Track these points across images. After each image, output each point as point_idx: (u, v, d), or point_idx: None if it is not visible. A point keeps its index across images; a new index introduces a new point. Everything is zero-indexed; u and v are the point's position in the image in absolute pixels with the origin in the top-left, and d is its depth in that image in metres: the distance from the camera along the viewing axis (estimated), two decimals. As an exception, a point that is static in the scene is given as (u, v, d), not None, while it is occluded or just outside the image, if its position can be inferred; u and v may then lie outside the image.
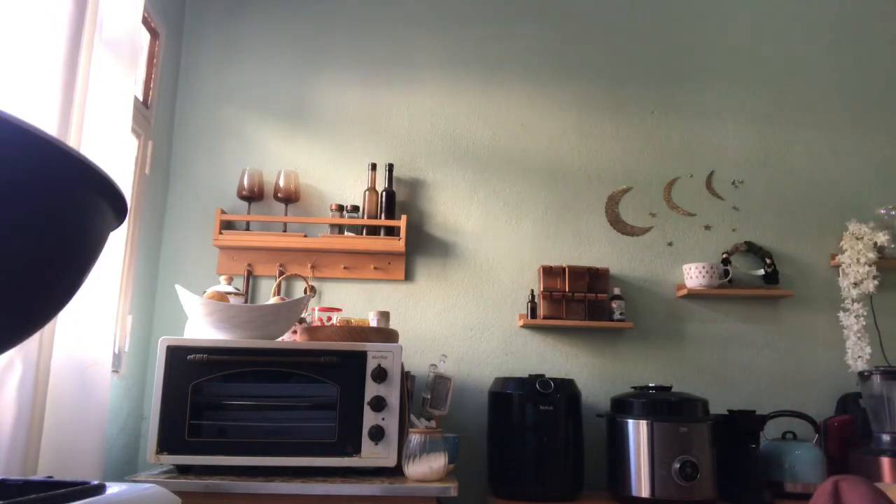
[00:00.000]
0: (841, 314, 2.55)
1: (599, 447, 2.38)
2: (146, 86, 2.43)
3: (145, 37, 2.42)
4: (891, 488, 1.27)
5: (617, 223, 2.65)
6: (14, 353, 1.47)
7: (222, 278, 2.19)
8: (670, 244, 2.63)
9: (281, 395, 1.84)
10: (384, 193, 2.54)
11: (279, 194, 2.50)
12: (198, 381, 1.82)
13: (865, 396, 2.28)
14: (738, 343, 2.56)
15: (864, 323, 2.52)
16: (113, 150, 1.84)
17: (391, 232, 2.50)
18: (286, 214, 2.53)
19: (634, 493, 2.02)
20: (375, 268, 2.52)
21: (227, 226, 2.50)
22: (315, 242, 2.45)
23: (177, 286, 1.87)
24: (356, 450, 1.81)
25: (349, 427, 1.82)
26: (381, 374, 1.85)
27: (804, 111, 2.80)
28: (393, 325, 2.49)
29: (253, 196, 2.49)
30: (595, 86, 2.77)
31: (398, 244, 2.46)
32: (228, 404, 1.82)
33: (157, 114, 2.47)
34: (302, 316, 2.16)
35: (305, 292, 2.39)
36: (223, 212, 2.49)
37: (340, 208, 2.51)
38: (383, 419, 1.83)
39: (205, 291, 2.02)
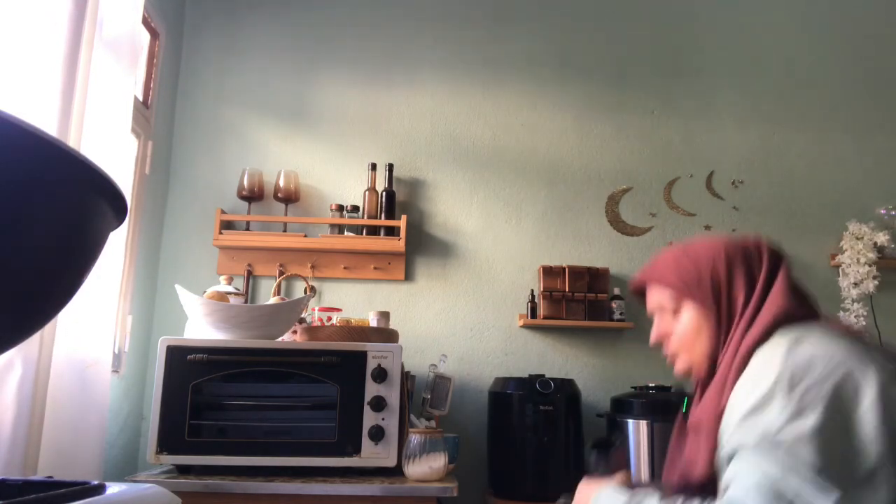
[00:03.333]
0: (841, 314, 2.55)
1: (599, 447, 2.38)
2: (146, 86, 2.43)
3: (145, 37, 2.42)
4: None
5: (617, 223, 2.65)
6: (14, 353, 1.47)
7: (222, 278, 2.19)
8: (670, 244, 2.63)
9: (281, 395, 1.84)
10: (384, 193, 2.54)
11: (279, 194, 2.50)
12: (198, 381, 1.82)
13: (865, 396, 2.28)
14: (738, 343, 2.56)
15: (864, 323, 2.52)
16: (113, 150, 1.83)
17: (391, 232, 2.50)
18: (286, 214, 2.53)
19: (634, 493, 2.02)
20: (375, 268, 2.52)
21: (227, 226, 2.50)
22: (315, 242, 2.45)
23: (177, 286, 1.87)
24: (356, 450, 1.81)
25: (349, 427, 1.82)
26: (381, 374, 1.85)
27: (804, 111, 2.80)
28: (393, 325, 2.49)
29: (253, 196, 2.49)
30: (595, 86, 2.77)
31: (398, 244, 2.46)
32: (228, 404, 1.82)
33: (157, 114, 2.47)
34: (302, 316, 2.16)
35: (305, 292, 2.39)
36: (223, 212, 2.48)
37: (340, 208, 2.51)
38: (383, 419, 1.83)
39: (205, 291, 2.02)
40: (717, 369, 1.01)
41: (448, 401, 2.12)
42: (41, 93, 1.53)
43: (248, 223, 2.51)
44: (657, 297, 1.12)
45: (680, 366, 1.10)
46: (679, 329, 1.08)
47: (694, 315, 1.06)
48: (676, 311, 1.09)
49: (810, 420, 0.81)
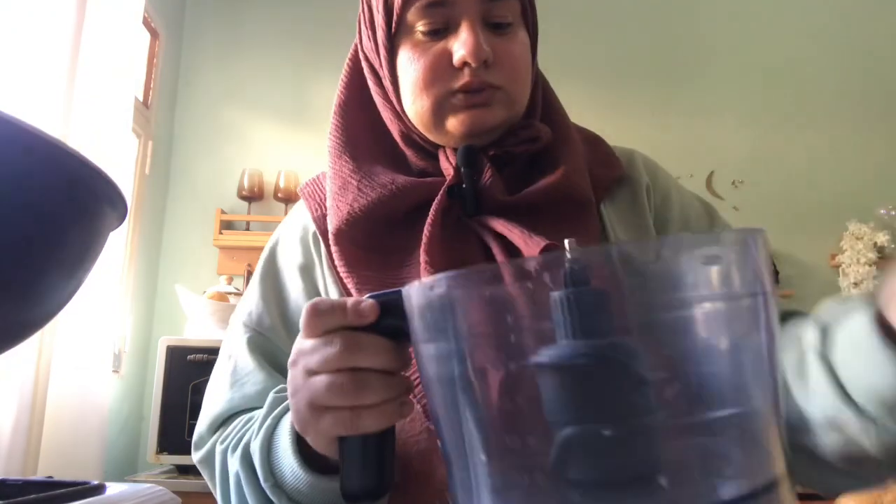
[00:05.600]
0: (841, 314, 2.55)
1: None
2: (146, 86, 2.43)
3: (145, 37, 2.42)
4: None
5: (617, 223, 2.65)
6: (14, 353, 1.47)
7: (222, 278, 2.19)
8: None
9: (281, 395, 1.84)
10: (384, 193, 2.54)
11: (279, 194, 2.50)
12: (198, 381, 1.82)
13: (865, 396, 2.28)
14: (738, 343, 2.56)
15: (864, 323, 2.52)
16: (113, 150, 1.84)
17: (391, 232, 2.49)
18: (286, 214, 2.53)
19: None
20: (375, 268, 2.52)
21: (227, 226, 2.50)
22: (315, 242, 2.45)
23: (177, 287, 1.87)
24: (356, 450, 1.81)
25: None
26: (381, 374, 1.84)
27: (804, 111, 2.79)
28: (393, 325, 2.49)
29: (253, 196, 2.49)
30: (595, 86, 2.77)
31: (398, 244, 2.46)
32: (228, 404, 1.82)
33: (157, 114, 2.47)
34: (302, 316, 2.16)
35: (305, 292, 2.39)
36: (223, 212, 2.48)
37: (340, 208, 2.51)
38: (383, 419, 1.82)
39: (205, 292, 2.02)
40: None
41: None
42: (42, 93, 1.53)
43: (248, 223, 2.51)
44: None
45: (496, 111, 0.65)
46: (518, 51, 0.67)
47: (527, 45, 0.69)
48: (514, 29, 0.67)
49: None
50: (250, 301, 0.72)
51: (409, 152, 0.70)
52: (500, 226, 0.62)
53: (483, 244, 0.64)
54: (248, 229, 2.50)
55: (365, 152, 0.70)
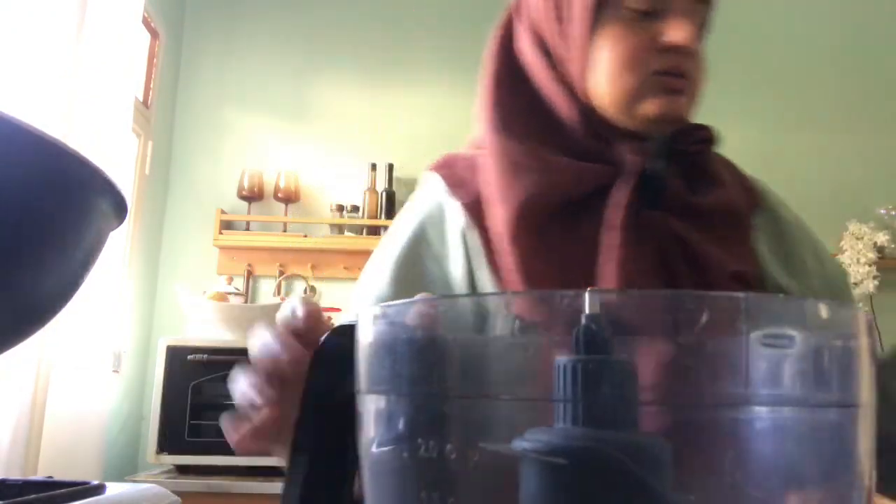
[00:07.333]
0: (841, 314, 2.55)
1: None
2: (146, 86, 2.43)
3: (145, 37, 2.42)
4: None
5: (617, 223, 2.65)
6: (14, 354, 1.47)
7: (222, 278, 2.19)
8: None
9: (281, 395, 1.84)
10: (384, 194, 2.54)
11: (279, 194, 2.50)
12: (198, 381, 1.82)
13: (865, 396, 2.27)
14: (738, 343, 2.56)
15: (864, 323, 2.52)
16: (113, 150, 1.84)
17: (391, 232, 2.50)
18: (286, 214, 2.53)
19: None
20: (375, 268, 2.52)
21: (227, 226, 2.50)
22: (315, 242, 2.45)
23: (177, 287, 1.87)
24: (356, 450, 1.81)
25: (349, 427, 1.82)
26: (381, 374, 1.84)
27: (804, 111, 2.79)
28: (393, 325, 2.49)
29: (253, 196, 2.49)
30: (595, 86, 2.77)
31: (398, 244, 2.46)
32: (228, 404, 1.81)
33: (157, 114, 2.47)
34: (302, 316, 2.16)
35: (305, 292, 2.39)
36: (223, 212, 2.48)
37: (341, 208, 2.51)
38: (383, 419, 1.82)
39: (205, 292, 2.02)
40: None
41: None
42: (42, 93, 1.53)
43: (248, 223, 2.51)
44: None
45: (686, 103, 0.67)
46: (703, 54, 0.67)
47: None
48: (703, 29, 0.67)
49: None
50: (376, 284, 0.64)
51: (580, 133, 0.65)
52: (693, 233, 0.60)
53: (660, 246, 0.61)
54: (248, 229, 2.50)
55: (525, 130, 0.66)
